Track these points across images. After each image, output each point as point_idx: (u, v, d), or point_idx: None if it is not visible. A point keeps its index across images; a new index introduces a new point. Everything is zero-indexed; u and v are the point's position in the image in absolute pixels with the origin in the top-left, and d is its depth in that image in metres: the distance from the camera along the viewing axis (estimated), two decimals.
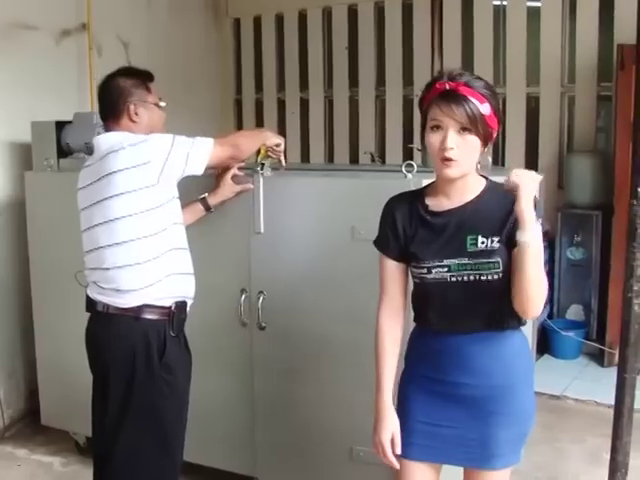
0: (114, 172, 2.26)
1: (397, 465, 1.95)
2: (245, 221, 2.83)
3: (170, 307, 2.35)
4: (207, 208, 2.74)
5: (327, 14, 5.78)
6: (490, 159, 2.17)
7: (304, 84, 5.94)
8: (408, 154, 4.82)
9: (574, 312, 4.92)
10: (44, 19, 4.15)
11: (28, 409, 4.01)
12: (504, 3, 5.21)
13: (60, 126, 3.59)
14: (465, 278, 1.84)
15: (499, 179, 1.91)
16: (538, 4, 5.10)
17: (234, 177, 2.75)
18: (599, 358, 4.65)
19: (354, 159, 5.66)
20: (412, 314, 2.02)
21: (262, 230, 2.81)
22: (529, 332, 2.41)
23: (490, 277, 1.82)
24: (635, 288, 2.60)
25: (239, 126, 6.15)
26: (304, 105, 5.99)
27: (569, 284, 4.92)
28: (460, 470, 2.01)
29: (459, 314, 1.89)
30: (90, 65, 4.28)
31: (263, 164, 2.76)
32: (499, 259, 1.81)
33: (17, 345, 4.00)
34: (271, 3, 5.93)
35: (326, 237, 2.71)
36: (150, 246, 2.30)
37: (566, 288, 4.93)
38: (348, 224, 2.61)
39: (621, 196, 4.29)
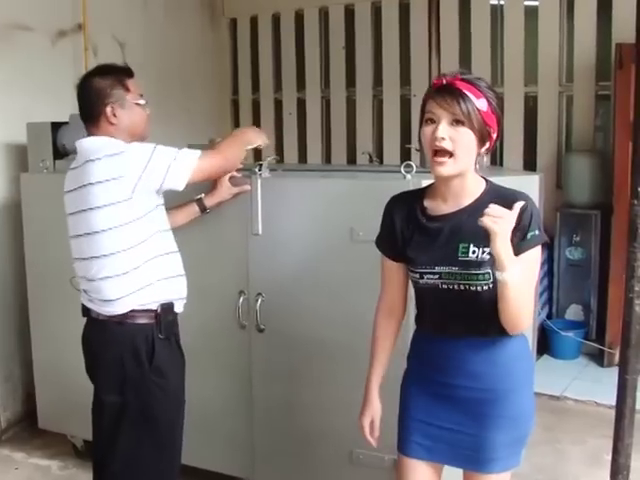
0: (92, 184, 2.22)
1: (375, 444, 2.08)
2: (243, 223, 2.81)
3: (156, 310, 2.33)
4: (203, 209, 2.72)
5: (324, 14, 5.76)
6: (486, 158, 2.14)
7: (301, 84, 5.92)
8: (406, 154, 4.80)
9: (573, 312, 4.91)
10: (40, 20, 4.13)
11: (25, 412, 3.99)
12: (501, 2, 5.19)
13: (56, 127, 3.56)
14: (455, 287, 1.82)
15: (499, 179, 1.88)
16: (536, 3, 5.08)
17: (231, 178, 2.73)
18: (599, 358, 4.65)
19: (352, 159, 5.65)
20: (413, 315, 2.01)
21: (260, 232, 2.79)
22: (529, 333, 2.39)
23: (479, 288, 1.79)
24: (636, 289, 2.57)
25: (236, 127, 6.11)
26: (301, 105, 5.96)
27: (568, 284, 4.91)
28: (460, 470, 1.99)
29: (451, 320, 1.88)
30: (86, 66, 4.23)
31: (261, 165, 2.75)
32: (489, 270, 1.77)
33: (14, 348, 3.98)
34: (267, 3, 5.91)
35: (324, 238, 2.69)
36: (133, 256, 2.27)
37: (565, 288, 4.92)
38: (347, 225, 2.60)
39: (620, 195, 4.29)
